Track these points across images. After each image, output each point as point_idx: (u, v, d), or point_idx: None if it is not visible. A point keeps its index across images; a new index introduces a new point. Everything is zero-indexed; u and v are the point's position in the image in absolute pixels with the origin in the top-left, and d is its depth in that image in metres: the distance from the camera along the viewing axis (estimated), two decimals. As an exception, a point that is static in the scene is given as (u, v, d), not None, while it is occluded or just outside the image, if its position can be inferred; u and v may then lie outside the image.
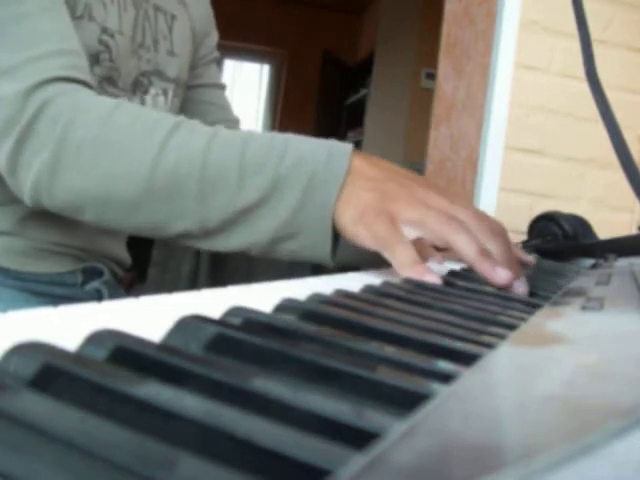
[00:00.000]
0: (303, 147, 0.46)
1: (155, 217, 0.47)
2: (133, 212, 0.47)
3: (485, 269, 0.40)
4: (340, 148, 0.46)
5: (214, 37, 0.83)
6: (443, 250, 0.46)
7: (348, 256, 0.57)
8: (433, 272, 0.39)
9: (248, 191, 0.45)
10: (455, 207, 0.43)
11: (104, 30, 0.60)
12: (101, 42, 0.60)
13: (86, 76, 0.53)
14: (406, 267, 0.40)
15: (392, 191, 0.43)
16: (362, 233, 0.43)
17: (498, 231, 0.43)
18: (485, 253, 0.40)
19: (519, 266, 0.43)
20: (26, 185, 0.49)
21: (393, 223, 0.42)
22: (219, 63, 0.85)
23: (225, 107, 0.85)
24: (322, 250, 0.45)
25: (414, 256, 0.40)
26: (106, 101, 0.49)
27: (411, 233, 0.42)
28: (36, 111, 0.47)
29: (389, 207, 0.42)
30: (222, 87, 0.86)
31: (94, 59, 0.60)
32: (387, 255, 0.42)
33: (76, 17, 0.57)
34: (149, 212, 0.47)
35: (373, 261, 0.46)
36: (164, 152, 0.46)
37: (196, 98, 0.81)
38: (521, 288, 0.40)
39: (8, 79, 0.49)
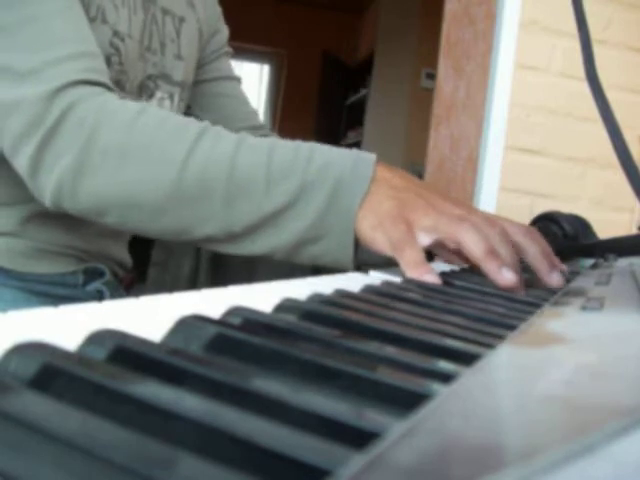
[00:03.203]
0: (329, 154, 0.47)
1: (181, 222, 0.47)
2: (158, 217, 0.47)
3: (491, 269, 0.40)
4: (366, 156, 0.47)
5: (224, 33, 0.83)
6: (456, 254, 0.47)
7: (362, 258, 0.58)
8: (435, 274, 0.40)
9: (276, 196, 0.46)
10: (470, 213, 0.44)
11: (115, 33, 0.60)
12: (112, 45, 0.60)
13: (106, 79, 0.53)
14: (410, 267, 0.41)
15: (411, 200, 0.44)
16: (380, 239, 0.44)
17: (508, 236, 0.43)
18: (493, 253, 0.41)
19: (522, 273, 0.43)
20: (48, 188, 0.49)
21: (409, 230, 0.43)
22: (232, 49, 0.85)
23: (243, 99, 0.85)
24: (344, 254, 0.46)
25: (419, 257, 0.41)
26: (131, 105, 0.49)
27: (426, 239, 0.43)
28: (61, 114, 0.47)
29: (407, 215, 0.44)
30: (237, 79, 0.86)
31: (105, 62, 0.60)
32: (397, 257, 0.43)
33: (90, 19, 0.57)
34: (174, 217, 0.47)
35: (382, 263, 0.47)
36: (191, 157, 0.46)
37: (212, 91, 0.81)
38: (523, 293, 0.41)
39: (28, 81, 0.48)
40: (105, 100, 0.49)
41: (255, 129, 0.84)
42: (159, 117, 0.48)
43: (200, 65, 0.80)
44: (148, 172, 0.46)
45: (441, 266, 0.52)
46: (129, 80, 0.64)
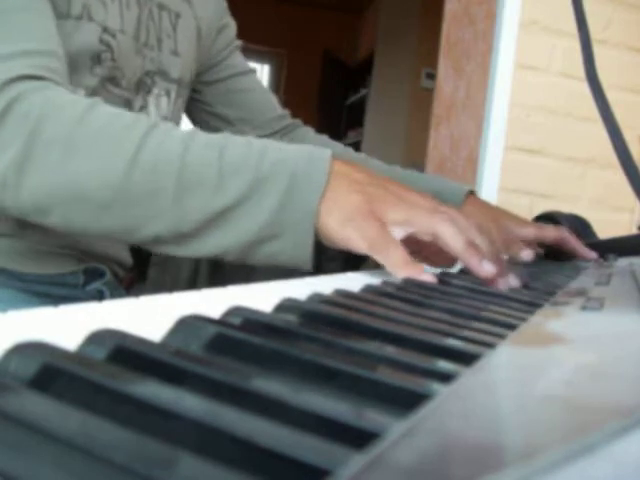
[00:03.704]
0: (283, 149, 0.46)
1: (128, 220, 0.45)
2: (104, 214, 0.45)
3: (471, 261, 0.40)
4: (320, 151, 0.45)
5: (232, 27, 0.83)
6: (431, 247, 0.46)
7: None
8: (427, 272, 0.40)
9: (227, 192, 0.44)
10: (441, 207, 0.44)
11: (105, 29, 0.60)
12: (102, 42, 0.60)
13: (60, 78, 0.51)
14: (400, 268, 0.40)
15: (378, 194, 0.43)
16: (352, 236, 0.42)
17: (481, 228, 0.44)
18: (472, 246, 0.41)
19: (505, 264, 0.43)
20: None
21: (383, 225, 0.42)
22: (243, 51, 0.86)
23: (264, 90, 0.86)
24: (302, 253, 0.44)
25: (405, 256, 0.41)
26: (80, 99, 0.47)
27: (400, 233, 0.42)
28: (5, 107, 0.45)
29: (376, 209, 0.42)
30: (253, 71, 0.86)
31: (96, 59, 0.60)
32: (379, 257, 0.42)
33: (74, 17, 0.57)
34: (122, 215, 0.45)
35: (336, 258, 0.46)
36: (140, 152, 0.44)
37: (233, 88, 0.82)
38: (513, 282, 0.41)
39: None
40: (53, 94, 0.47)
41: (282, 118, 0.85)
42: (109, 113, 0.47)
43: (214, 64, 0.80)
44: (95, 167, 0.44)
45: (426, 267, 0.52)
46: (125, 76, 0.63)
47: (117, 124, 0.46)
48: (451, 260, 0.48)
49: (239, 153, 0.45)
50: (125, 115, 0.47)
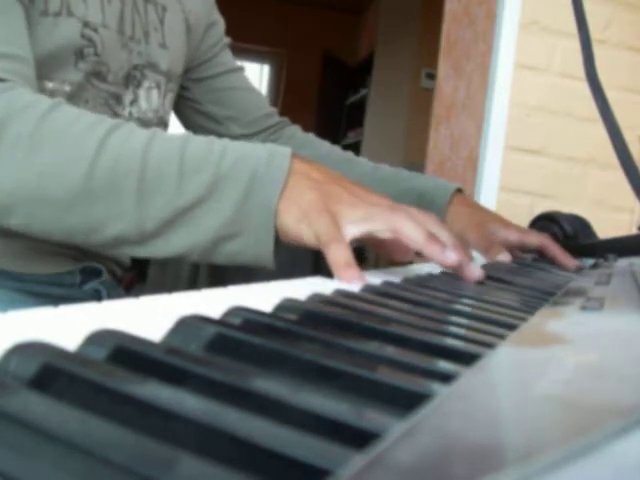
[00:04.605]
0: (243, 148, 0.46)
1: (90, 220, 0.45)
2: (66, 213, 0.45)
3: (434, 252, 0.41)
4: (280, 150, 0.46)
5: (221, 24, 0.83)
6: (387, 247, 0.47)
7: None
8: (363, 276, 0.40)
9: (188, 190, 0.44)
10: (398, 205, 0.44)
11: (86, 24, 0.59)
12: (84, 37, 0.59)
13: (27, 82, 0.51)
14: (338, 267, 0.40)
15: (335, 192, 0.44)
16: (305, 232, 0.43)
17: (440, 221, 0.45)
18: (433, 237, 0.41)
19: (468, 250, 0.44)
20: None
21: (335, 222, 0.42)
22: (232, 49, 0.86)
23: (252, 88, 0.86)
24: (264, 250, 0.45)
25: (347, 256, 0.41)
26: (43, 99, 0.47)
27: (355, 231, 0.42)
28: None
29: (333, 207, 0.43)
30: (242, 69, 0.86)
31: (78, 54, 0.59)
32: (325, 253, 0.42)
33: (52, 14, 0.57)
34: (84, 214, 0.45)
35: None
36: (102, 151, 0.44)
37: (221, 86, 0.82)
38: (476, 272, 0.42)
39: None
40: (16, 94, 0.47)
41: (269, 116, 0.85)
42: (72, 113, 0.47)
43: (203, 61, 0.79)
44: (57, 165, 0.44)
45: (425, 267, 0.52)
46: (111, 71, 0.63)
47: (80, 123, 0.46)
48: (412, 254, 0.48)
49: (199, 152, 0.45)
50: (88, 115, 0.47)
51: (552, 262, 0.67)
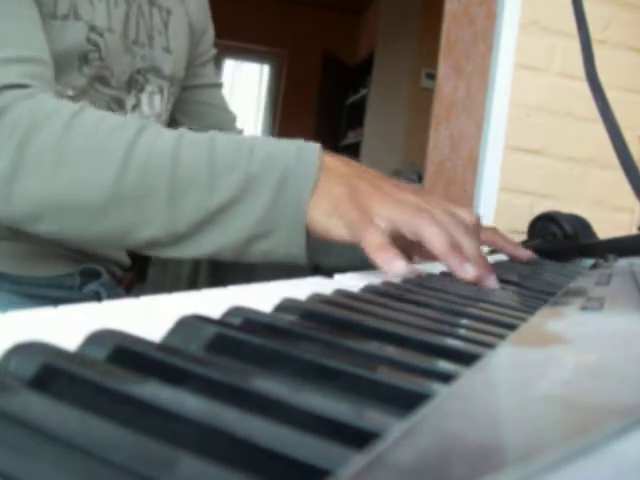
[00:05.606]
0: (271, 145, 0.45)
1: (122, 224, 0.45)
2: (98, 219, 0.45)
3: (453, 264, 0.40)
4: (309, 145, 0.45)
5: (211, 34, 0.82)
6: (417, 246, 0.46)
7: (335, 259, 0.57)
8: (402, 257, 0.39)
9: (220, 191, 0.44)
10: (427, 202, 0.43)
11: (92, 28, 0.59)
12: (89, 41, 0.59)
13: (47, 85, 0.51)
14: (375, 251, 0.39)
15: (364, 188, 0.43)
16: (335, 225, 0.42)
17: (470, 227, 0.43)
18: (455, 247, 0.40)
19: (489, 265, 0.43)
20: None
21: (366, 213, 0.42)
22: (217, 61, 0.85)
23: (224, 107, 0.85)
24: (296, 248, 0.44)
25: (382, 239, 0.40)
26: (67, 105, 0.47)
27: (384, 225, 0.42)
28: None
29: (361, 202, 0.42)
30: (220, 86, 0.85)
31: (83, 59, 0.59)
32: (357, 240, 0.41)
33: (61, 17, 0.56)
34: (116, 219, 0.45)
35: (359, 266, 0.45)
36: (131, 155, 0.44)
37: (196, 99, 0.81)
38: (492, 286, 0.40)
39: None
40: (39, 101, 0.47)
41: None
42: (96, 117, 0.46)
43: (190, 67, 0.78)
44: (86, 173, 0.44)
45: (428, 266, 0.52)
46: (114, 75, 0.63)
47: (105, 129, 0.45)
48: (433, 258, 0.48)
49: (228, 150, 0.45)
50: (112, 118, 0.47)
51: (507, 256, 0.66)
